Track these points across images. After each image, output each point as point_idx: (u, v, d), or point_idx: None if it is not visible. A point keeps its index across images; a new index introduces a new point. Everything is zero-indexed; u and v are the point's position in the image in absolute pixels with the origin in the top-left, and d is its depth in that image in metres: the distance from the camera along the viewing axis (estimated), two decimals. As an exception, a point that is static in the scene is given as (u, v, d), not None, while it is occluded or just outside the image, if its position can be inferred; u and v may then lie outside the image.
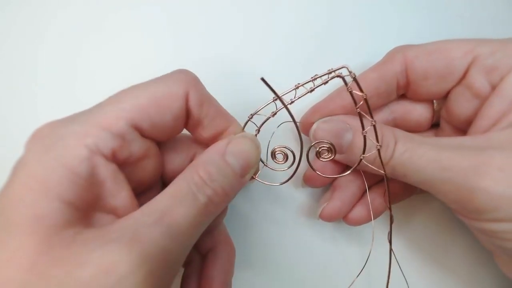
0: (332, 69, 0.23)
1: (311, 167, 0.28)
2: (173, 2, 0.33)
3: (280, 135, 0.29)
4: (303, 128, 0.29)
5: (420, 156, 0.24)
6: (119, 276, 0.16)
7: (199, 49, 0.33)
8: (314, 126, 0.28)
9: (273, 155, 0.27)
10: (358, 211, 0.30)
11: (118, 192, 0.21)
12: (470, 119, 0.27)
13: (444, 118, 0.29)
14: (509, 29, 0.35)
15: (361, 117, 0.23)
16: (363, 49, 0.34)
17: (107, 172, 0.20)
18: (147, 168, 0.23)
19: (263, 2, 0.33)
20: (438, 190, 0.24)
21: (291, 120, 0.24)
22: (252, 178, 0.25)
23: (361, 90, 0.22)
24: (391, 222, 0.28)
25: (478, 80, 0.25)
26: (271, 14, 0.33)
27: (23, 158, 0.19)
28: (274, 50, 0.33)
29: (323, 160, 0.27)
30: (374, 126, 0.23)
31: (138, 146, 0.22)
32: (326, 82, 0.23)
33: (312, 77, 0.24)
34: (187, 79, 0.23)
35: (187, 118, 0.24)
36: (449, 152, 0.23)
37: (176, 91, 0.22)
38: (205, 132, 0.24)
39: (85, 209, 0.19)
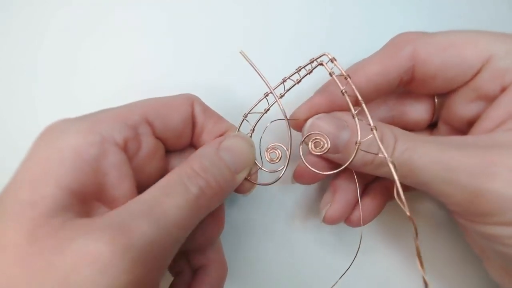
0: (313, 58, 0.24)
1: (303, 161, 0.26)
2: (173, 1, 0.34)
3: (275, 133, 0.29)
4: (295, 125, 0.27)
5: (422, 155, 0.22)
6: (101, 264, 0.16)
7: (198, 49, 0.33)
8: (308, 123, 0.26)
9: (267, 155, 0.26)
10: (359, 213, 0.28)
11: (121, 183, 0.20)
12: (473, 120, 0.25)
13: (443, 117, 0.28)
14: (509, 29, 0.35)
15: (347, 98, 0.23)
16: (364, 49, 0.32)
17: (114, 160, 0.20)
18: (153, 170, 0.24)
19: (263, 2, 0.34)
20: (440, 192, 0.22)
21: (283, 116, 0.24)
22: (247, 179, 0.25)
23: (342, 72, 0.22)
24: (416, 232, 0.21)
25: (489, 83, 0.24)
26: (273, 12, 0.34)
27: (32, 147, 0.20)
28: (274, 49, 0.34)
29: (316, 153, 0.25)
30: (363, 107, 0.22)
31: (148, 142, 0.23)
32: (311, 72, 0.24)
33: (296, 69, 0.25)
34: (191, 96, 0.26)
35: (194, 127, 0.25)
36: (453, 151, 0.22)
37: (182, 100, 0.25)
38: (209, 137, 0.26)
39: (85, 197, 0.19)
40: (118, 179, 0.20)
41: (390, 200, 0.30)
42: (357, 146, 0.23)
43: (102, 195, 0.20)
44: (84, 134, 0.20)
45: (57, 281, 0.16)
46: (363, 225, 0.28)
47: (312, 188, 0.33)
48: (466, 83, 0.25)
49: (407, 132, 0.24)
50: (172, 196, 0.20)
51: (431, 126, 0.30)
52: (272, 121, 0.26)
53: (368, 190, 0.29)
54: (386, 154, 0.21)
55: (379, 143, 0.22)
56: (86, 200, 0.19)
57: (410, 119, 0.29)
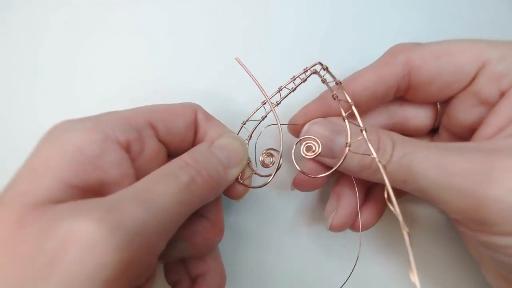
0: (307, 67, 0.25)
1: (295, 165, 0.26)
2: (173, 2, 0.34)
3: (273, 139, 0.30)
4: (293, 130, 0.28)
5: (422, 160, 0.22)
6: (89, 244, 0.16)
7: (198, 50, 0.34)
8: (305, 128, 0.27)
9: (262, 160, 0.27)
10: (364, 217, 0.28)
11: (121, 181, 0.21)
12: (474, 126, 0.25)
13: (445, 124, 0.28)
14: (509, 29, 0.36)
15: (338, 101, 0.23)
16: (363, 50, 0.34)
17: (115, 157, 0.20)
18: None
19: (263, 3, 0.35)
20: (440, 199, 0.22)
21: (277, 122, 0.25)
22: (239, 182, 0.26)
23: (334, 78, 0.23)
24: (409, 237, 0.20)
25: (486, 88, 0.24)
26: (271, 14, 0.35)
27: (38, 144, 0.20)
28: (273, 50, 0.34)
29: (308, 157, 0.25)
30: (353, 109, 0.23)
31: (152, 145, 0.23)
32: (305, 80, 0.25)
33: (291, 78, 0.25)
34: (194, 104, 0.26)
35: (196, 133, 0.26)
36: (454, 156, 0.21)
37: (186, 107, 0.25)
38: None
39: (85, 192, 0.19)
40: (118, 176, 0.21)
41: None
42: (347, 148, 0.23)
43: (102, 192, 0.20)
44: (87, 133, 0.20)
45: (45, 264, 0.16)
46: (367, 229, 0.28)
47: (310, 194, 0.33)
48: (463, 89, 0.25)
49: (406, 137, 0.24)
50: (162, 183, 0.20)
51: (432, 132, 0.30)
52: (267, 126, 0.27)
53: (370, 194, 0.29)
54: (375, 154, 0.21)
55: (368, 143, 0.22)
56: (86, 195, 0.19)
57: (412, 125, 0.29)
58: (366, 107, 0.26)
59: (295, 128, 0.27)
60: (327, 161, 0.26)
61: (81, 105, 0.32)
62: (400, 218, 0.19)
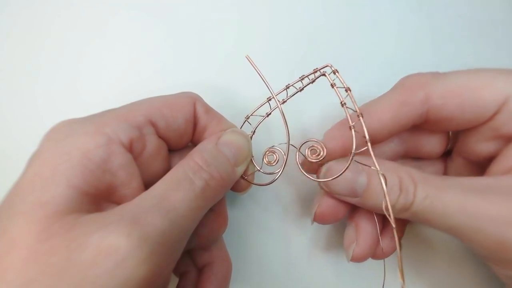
0: (317, 68, 0.25)
1: (300, 169, 0.26)
2: (174, 5, 0.35)
3: (275, 135, 0.30)
4: (310, 170, 0.27)
5: (444, 203, 0.22)
6: (119, 258, 0.16)
7: (201, 49, 0.34)
8: (324, 169, 0.26)
9: (265, 158, 0.27)
10: (385, 244, 0.27)
11: (130, 183, 0.21)
12: (489, 156, 0.25)
13: (458, 151, 0.28)
14: (509, 29, 0.36)
15: (346, 111, 0.24)
16: (363, 49, 0.34)
17: (122, 160, 0.21)
18: (157, 169, 0.24)
19: (260, 3, 0.35)
20: (466, 239, 0.22)
21: (283, 120, 0.25)
22: (244, 178, 0.26)
23: (343, 83, 0.23)
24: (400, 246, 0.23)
25: (507, 124, 0.24)
26: (268, 14, 0.35)
27: (39, 147, 0.20)
28: (272, 51, 0.34)
29: (313, 160, 0.25)
30: (361, 119, 0.23)
31: (152, 142, 0.23)
32: (314, 81, 0.25)
33: (300, 77, 0.25)
34: (193, 95, 0.26)
35: (195, 126, 0.26)
36: (476, 198, 0.22)
37: (185, 99, 0.25)
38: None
39: (96, 197, 0.20)
40: (126, 179, 0.21)
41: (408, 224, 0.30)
42: (351, 157, 0.23)
43: (112, 195, 0.21)
44: (91, 136, 0.20)
45: (77, 277, 0.16)
46: (389, 255, 0.28)
47: (311, 188, 0.33)
48: (482, 123, 0.25)
49: (426, 175, 0.24)
50: (180, 190, 0.20)
51: (445, 155, 0.30)
52: (279, 144, 0.26)
53: (387, 219, 0.28)
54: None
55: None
56: (97, 200, 0.20)
57: (425, 151, 0.29)
58: (380, 139, 0.26)
59: (312, 168, 0.27)
60: (349, 199, 0.26)
61: (83, 104, 0.32)
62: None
